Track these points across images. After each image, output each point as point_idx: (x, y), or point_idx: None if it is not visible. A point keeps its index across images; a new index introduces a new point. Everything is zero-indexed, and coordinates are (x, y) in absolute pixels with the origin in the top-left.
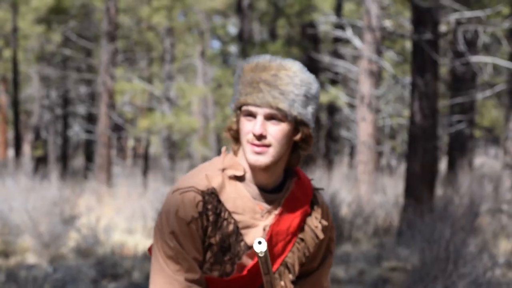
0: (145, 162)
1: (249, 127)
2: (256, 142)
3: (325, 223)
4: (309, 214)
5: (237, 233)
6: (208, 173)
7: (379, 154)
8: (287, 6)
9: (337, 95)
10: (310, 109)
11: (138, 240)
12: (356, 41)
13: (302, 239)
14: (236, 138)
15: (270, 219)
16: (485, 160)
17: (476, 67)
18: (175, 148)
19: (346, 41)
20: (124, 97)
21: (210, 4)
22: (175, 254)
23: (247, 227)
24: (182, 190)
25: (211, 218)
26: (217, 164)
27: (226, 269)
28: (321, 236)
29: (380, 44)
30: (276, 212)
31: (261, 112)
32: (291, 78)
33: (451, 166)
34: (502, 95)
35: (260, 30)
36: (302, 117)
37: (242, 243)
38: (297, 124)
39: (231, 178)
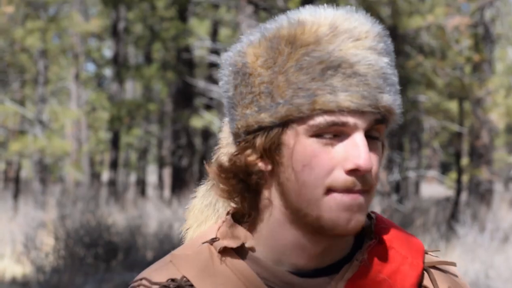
0: (16, 185)
1: (329, 160)
2: (358, 186)
3: None
4: None
5: None
6: (177, 252)
7: None
8: (163, 30)
9: (212, 120)
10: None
11: (7, 265)
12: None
13: None
14: (251, 192)
15: None
16: None
17: None
18: (47, 172)
19: None
20: None
21: (85, 27)
22: None
23: None
24: (132, 284)
25: None
26: (209, 232)
27: None
28: None
29: None
30: None
31: (361, 124)
32: (384, 48)
33: None
34: None
35: (135, 54)
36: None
37: None
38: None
39: (225, 255)
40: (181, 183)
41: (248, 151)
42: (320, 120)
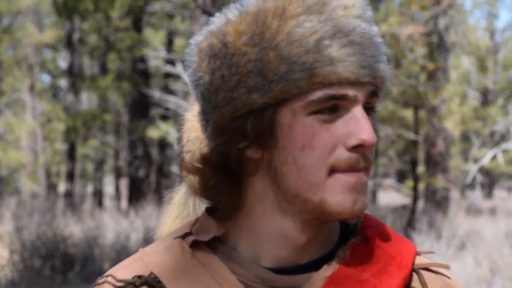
0: None
1: (330, 137)
2: (362, 163)
3: None
4: None
5: None
6: (147, 249)
7: None
8: (118, 41)
9: (168, 130)
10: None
11: None
12: (187, 77)
13: None
14: (223, 187)
15: None
16: None
17: None
18: (3, 184)
19: (177, 77)
20: None
21: (40, 37)
22: None
23: None
24: (98, 281)
25: None
26: (183, 228)
27: None
28: None
29: None
30: None
31: (361, 97)
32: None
33: None
34: None
35: (90, 64)
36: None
37: None
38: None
39: (197, 250)
40: (138, 193)
41: (238, 138)
42: (320, 94)
